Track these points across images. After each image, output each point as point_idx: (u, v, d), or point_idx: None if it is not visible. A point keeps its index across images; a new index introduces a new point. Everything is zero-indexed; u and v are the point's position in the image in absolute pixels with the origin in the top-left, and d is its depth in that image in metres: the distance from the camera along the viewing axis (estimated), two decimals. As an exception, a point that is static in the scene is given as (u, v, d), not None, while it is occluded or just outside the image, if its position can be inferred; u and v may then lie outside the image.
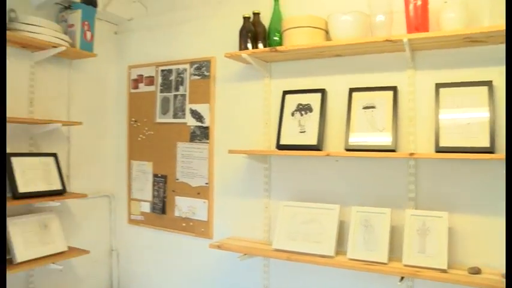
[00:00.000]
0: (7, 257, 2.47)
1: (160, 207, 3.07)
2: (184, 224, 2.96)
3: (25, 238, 2.57)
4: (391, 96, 2.27)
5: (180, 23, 3.02)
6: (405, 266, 2.08)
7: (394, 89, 2.27)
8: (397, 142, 2.23)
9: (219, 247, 2.54)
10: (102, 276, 3.28)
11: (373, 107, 2.30)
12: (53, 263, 2.61)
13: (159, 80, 3.09)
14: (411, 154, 2.06)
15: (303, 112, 2.49)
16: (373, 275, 2.26)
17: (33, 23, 2.52)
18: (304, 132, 2.45)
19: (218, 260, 2.84)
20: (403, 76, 2.28)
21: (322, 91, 2.47)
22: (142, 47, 3.22)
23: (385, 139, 2.21)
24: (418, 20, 2.06)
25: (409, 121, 2.25)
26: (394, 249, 2.22)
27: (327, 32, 2.38)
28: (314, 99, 2.48)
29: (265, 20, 2.58)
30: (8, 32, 2.40)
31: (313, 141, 2.41)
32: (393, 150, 2.18)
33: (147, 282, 3.20)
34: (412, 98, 2.25)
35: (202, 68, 2.88)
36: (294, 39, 2.36)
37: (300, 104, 2.51)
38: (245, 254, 2.50)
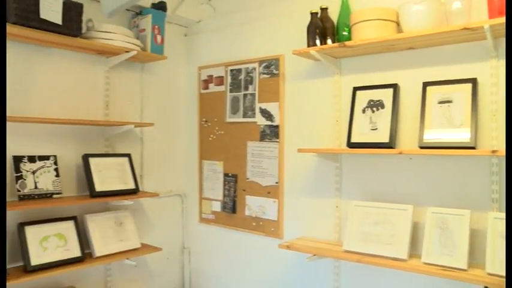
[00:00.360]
0: (87, 251, 2.60)
1: (231, 206, 3.08)
2: (254, 224, 2.95)
3: (102, 234, 2.68)
4: (470, 89, 2.10)
5: (248, 22, 3.02)
6: (489, 274, 1.91)
7: (473, 81, 2.10)
8: (477, 139, 2.06)
9: (288, 247, 2.50)
10: (174, 273, 3.36)
11: (449, 102, 2.14)
12: (128, 258, 2.70)
13: (229, 79, 3.10)
14: (494, 152, 1.88)
15: (374, 109, 2.38)
16: (451, 282, 2.11)
17: (107, 30, 2.63)
18: (375, 129, 2.34)
19: (287, 260, 2.80)
20: (485, 67, 2.10)
21: (394, 86, 2.34)
22: (211, 47, 3.26)
23: (463, 135, 2.05)
24: (502, 3, 1.88)
25: (492, 116, 2.07)
26: (475, 255, 2.05)
27: (398, 23, 2.26)
28: (386, 95, 2.36)
29: (334, 15, 2.50)
30: (84, 40, 2.52)
31: (385, 138, 2.29)
32: (473, 148, 2.01)
33: (217, 281, 3.23)
34: (495, 90, 2.06)
35: (271, 66, 2.86)
36: (364, 33, 2.26)
37: (371, 101, 2.40)
38: (314, 255, 2.43)
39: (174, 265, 3.36)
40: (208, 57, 3.26)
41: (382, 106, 2.35)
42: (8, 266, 2.27)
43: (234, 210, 3.06)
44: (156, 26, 2.85)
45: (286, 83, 2.81)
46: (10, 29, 2.18)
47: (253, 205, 2.96)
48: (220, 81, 3.16)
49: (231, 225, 3.09)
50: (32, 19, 2.18)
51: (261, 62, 2.92)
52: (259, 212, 2.92)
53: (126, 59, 2.74)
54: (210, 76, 3.23)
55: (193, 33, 3.38)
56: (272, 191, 2.86)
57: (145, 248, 2.87)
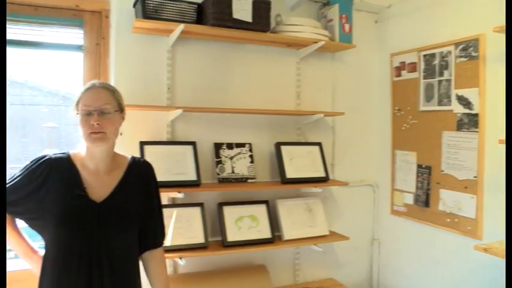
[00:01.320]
0: (277, 234, 2.77)
1: (424, 199, 2.90)
2: (448, 220, 2.73)
3: (292, 219, 2.83)
4: None
5: (442, 2, 2.76)
6: None
7: None
8: None
9: (485, 250, 2.24)
10: (361, 264, 3.33)
11: None
12: (315, 244, 2.80)
13: (422, 65, 2.90)
14: None
15: None
16: None
17: (295, 23, 2.74)
18: None
19: (483, 265, 2.50)
20: None
21: None
22: (403, 32, 3.09)
23: None
24: None
25: None
26: None
27: None
28: None
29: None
30: (274, 35, 2.69)
31: None
32: None
33: (406, 276, 3.07)
34: None
35: (469, 48, 2.58)
36: None
37: None
38: (517, 262, 2.13)
39: (362, 256, 3.33)
40: (400, 43, 3.11)
41: None
42: (209, 239, 2.57)
43: (427, 203, 2.88)
44: (344, 15, 2.85)
45: (487, 66, 2.50)
46: (209, 30, 2.48)
47: (448, 200, 2.73)
48: (413, 67, 2.98)
49: (423, 220, 2.91)
50: (227, 20, 2.43)
51: (457, 44, 2.65)
52: (454, 207, 2.69)
53: (315, 49, 2.81)
54: (403, 63, 3.07)
55: (383, 19, 3.25)
56: (469, 186, 2.60)
57: (333, 235, 2.92)
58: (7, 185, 1.67)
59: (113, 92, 1.75)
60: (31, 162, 1.73)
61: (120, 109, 1.75)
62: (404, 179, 3.08)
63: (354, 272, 3.28)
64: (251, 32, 2.55)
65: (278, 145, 2.83)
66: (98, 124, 1.65)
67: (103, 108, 1.67)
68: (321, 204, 2.96)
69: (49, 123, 3.26)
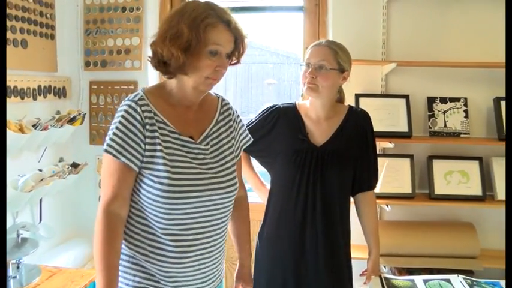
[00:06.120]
0: (489, 193, 2.68)
1: None
2: None
3: (507, 178, 2.69)
4: None
5: None
6: None
7: None
8: None
9: None
10: None
11: None
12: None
13: None
14: None
15: None
16: None
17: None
18: None
19: None
20: None
21: None
22: None
23: None
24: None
25: None
26: None
27: None
28: None
29: None
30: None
31: None
32: None
33: None
34: None
35: None
36: None
37: None
38: None
39: None
40: None
41: None
42: (416, 191, 2.65)
43: None
44: None
45: None
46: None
47: None
48: None
49: None
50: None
51: None
52: None
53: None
54: None
55: None
56: None
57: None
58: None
59: (335, 52, 1.92)
60: (264, 110, 2.07)
61: (340, 69, 1.92)
62: None
63: None
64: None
65: (498, 100, 2.68)
66: (312, 77, 1.88)
67: (320, 64, 1.89)
68: (542, 165, 2.74)
69: (269, 80, 3.67)
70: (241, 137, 1.65)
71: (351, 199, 2.05)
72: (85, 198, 2.96)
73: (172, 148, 1.40)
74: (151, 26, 2.88)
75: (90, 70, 2.92)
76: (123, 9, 2.83)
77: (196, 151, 1.44)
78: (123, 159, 1.34)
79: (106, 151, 1.35)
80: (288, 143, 1.96)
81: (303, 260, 1.91)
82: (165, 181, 1.36)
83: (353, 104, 2.57)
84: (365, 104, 2.60)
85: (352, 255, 2.05)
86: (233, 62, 1.49)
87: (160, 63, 1.40)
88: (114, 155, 1.33)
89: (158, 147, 1.37)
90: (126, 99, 1.42)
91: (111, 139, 1.35)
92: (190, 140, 1.44)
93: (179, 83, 1.44)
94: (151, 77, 2.91)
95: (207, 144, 1.48)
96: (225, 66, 1.44)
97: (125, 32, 2.85)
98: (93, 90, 2.94)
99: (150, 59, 1.44)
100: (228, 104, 1.63)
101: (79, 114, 2.67)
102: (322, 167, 1.92)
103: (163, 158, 1.37)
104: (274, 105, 2.06)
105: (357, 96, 2.67)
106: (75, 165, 2.71)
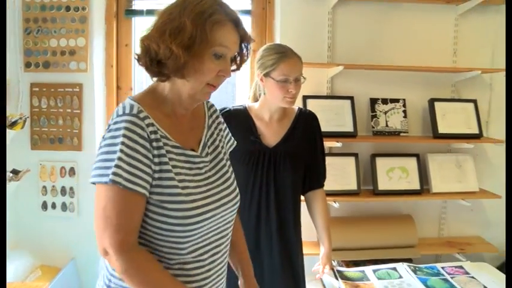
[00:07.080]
0: (425, 187, 2.90)
1: None
2: None
3: (441, 173, 2.92)
4: None
5: None
6: None
7: None
8: None
9: None
10: None
11: None
12: (463, 199, 2.85)
13: None
14: None
15: None
16: None
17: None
18: None
19: None
20: None
21: None
22: None
23: None
24: None
25: None
26: None
27: None
28: None
29: None
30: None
31: None
32: None
33: None
34: None
35: None
36: None
37: None
38: None
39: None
40: None
41: None
42: (361, 187, 2.82)
43: None
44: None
45: None
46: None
47: None
48: None
49: None
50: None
51: None
52: None
53: (477, 3, 2.77)
54: None
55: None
56: None
57: (484, 193, 2.94)
58: None
59: (301, 59, 2.02)
60: None
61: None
62: None
63: (503, 233, 3.21)
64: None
65: (432, 101, 2.90)
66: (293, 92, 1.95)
67: (297, 78, 1.96)
68: (471, 161, 2.98)
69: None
70: (227, 139, 1.50)
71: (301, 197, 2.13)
72: (26, 207, 2.83)
73: (178, 167, 1.20)
74: (98, 26, 2.80)
75: (31, 71, 2.78)
76: (67, 8, 2.73)
77: (201, 165, 1.27)
78: (136, 188, 1.11)
79: (113, 182, 1.07)
80: (240, 145, 1.99)
81: (257, 260, 1.93)
82: (180, 206, 1.16)
83: (301, 106, 2.66)
84: (312, 105, 2.71)
85: (304, 251, 2.14)
86: (233, 69, 1.29)
87: (153, 63, 1.17)
88: (124, 186, 1.08)
89: (165, 167, 1.16)
90: (121, 113, 1.15)
91: (117, 166, 1.08)
92: (193, 153, 1.26)
93: (173, 87, 1.23)
94: (98, 79, 2.83)
95: (207, 154, 1.31)
96: (229, 72, 1.23)
97: (69, 32, 2.75)
98: (34, 92, 2.80)
99: (137, 57, 1.21)
100: (213, 104, 1.47)
101: (21, 118, 2.56)
102: (275, 167, 1.99)
103: (173, 179, 1.17)
104: (225, 108, 2.09)
105: (305, 97, 2.76)
106: (15, 172, 2.59)
